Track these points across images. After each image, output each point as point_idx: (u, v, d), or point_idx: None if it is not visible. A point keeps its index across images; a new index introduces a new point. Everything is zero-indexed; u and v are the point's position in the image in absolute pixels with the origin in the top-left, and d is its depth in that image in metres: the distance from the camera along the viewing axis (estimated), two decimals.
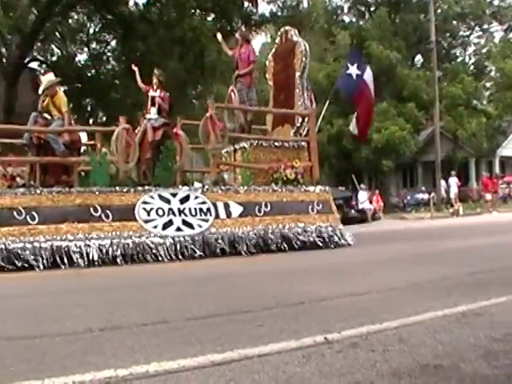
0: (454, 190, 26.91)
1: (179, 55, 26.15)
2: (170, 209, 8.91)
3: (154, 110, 10.15)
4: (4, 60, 23.91)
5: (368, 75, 12.39)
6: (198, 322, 3.70)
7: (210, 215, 9.08)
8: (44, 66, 29.84)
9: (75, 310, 4.29)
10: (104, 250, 8.11)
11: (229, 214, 9.23)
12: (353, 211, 23.50)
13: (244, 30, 11.92)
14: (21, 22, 21.89)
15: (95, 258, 8.01)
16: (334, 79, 35.46)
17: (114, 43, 31.28)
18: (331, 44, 39.20)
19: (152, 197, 8.92)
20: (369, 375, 2.48)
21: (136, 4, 28.58)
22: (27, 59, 24.93)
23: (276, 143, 10.75)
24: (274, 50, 12.67)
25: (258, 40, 54.09)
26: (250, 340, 3.08)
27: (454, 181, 27.49)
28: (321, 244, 9.52)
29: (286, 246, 9.24)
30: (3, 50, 24.72)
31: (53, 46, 32.15)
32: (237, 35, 11.67)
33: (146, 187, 9.04)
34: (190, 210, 9.01)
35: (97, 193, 8.64)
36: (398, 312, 3.75)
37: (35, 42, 25.65)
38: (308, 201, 9.96)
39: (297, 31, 11.72)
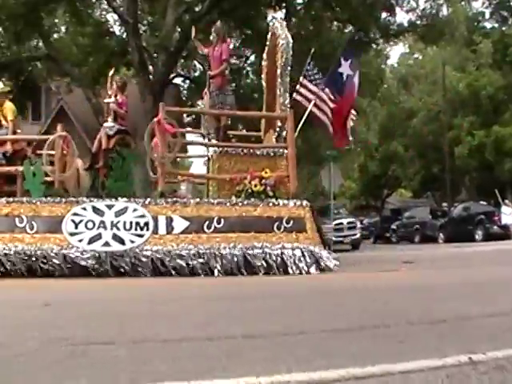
0: None
1: None
2: (102, 222, 8.24)
3: (110, 118, 9.77)
4: (151, 77, 24.29)
5: (357, 78, 10.86)
6: (336, 334, 3.66)
7: (147, 230, 8.24)
8: (187, 81, 31.30)
9: (214, 317, 4.39)
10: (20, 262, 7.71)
11: (170, 230, 8.32)
12: (495, 227, 22.72)
13: (219, 26, 10.65)
14: (166, 40, 22.73)
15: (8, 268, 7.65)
16: (475, 89, 34.89)
17: (252, 57, 31.85)
18: (472, 52, 37.12)
19: (84, 208, 8.33)
20: None
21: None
22: (172, 75, 25.98)
23: (245, 150, 9.61)
24: (266, 48, 11.44)
25: (397, 50, 52.54)
26: (391, 356, 2.94)
27: None
28: (277, 269, 8.14)
29: (232, 268, 8.05)
30: (150, 68, 25.26)
31: (195, 62, 33.70)
32: (212, 33, 10.61)
33: (80, 198, 8.51)
34: (124, 223, 8.25)
35: (26, 203, 8.30)
36: None
37: (179, 59, 26.55)
38: (275, 217, 8.67)
39: (284, 23, 10.44)
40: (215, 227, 8.44)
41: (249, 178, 9.01)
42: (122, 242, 8.10)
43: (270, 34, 10.85)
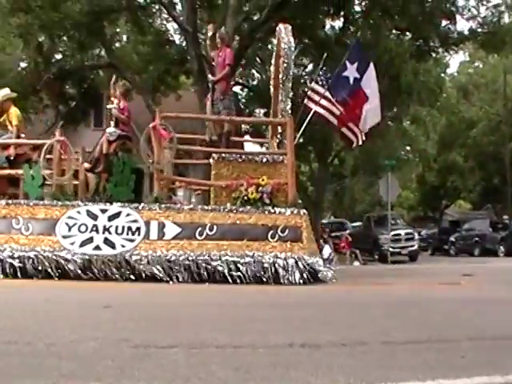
0: None
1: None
2: (95, 225, 8.37)
3: (112, 123, 9.99)
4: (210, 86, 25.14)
5: (368, 76, 10.31)
6: (395, 346, 3.60)
7: (138, 235, 8.29)
8: (246, 89, 31.62)
9: (274, 324, 4.40)
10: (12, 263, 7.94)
11: (161, 236, 8.33)
12: None
13: (223, 31, 10.63)
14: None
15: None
16: None
17: (311, 66, 32.07)
18: None
19: (79, 212, 8.49)
20: None
21: (332, 27, 29.53)
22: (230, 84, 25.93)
23: (243, 157, 9.52)
24: (274, 53, 11.28)
25: (457, 59, 51.54)
26: (451, 371, 2.91)
27: None
28: (266, 279, 7.97)
29: (221, 276, 7.95)
30: (209, 76, 25.91)
31: (253, 71, 34.05)
32: (217, 38, 10.34)
33: (75, 202, 8.71)
34: (116, 228, 8.34)
35: (24, 205, 8.57)
36: None
37: (237, 68, 26.79)
38: (270, 226, 8.48)
39: (289, 27, 10.08)
40: (207, 234, 8.36)
41: (245, 184, 8.90)
42: (112, 246, 8.19)
43: (276, 38, 10.77)
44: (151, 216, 8.50)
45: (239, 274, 7.95)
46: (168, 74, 26.08)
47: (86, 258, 8.00)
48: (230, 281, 7.87)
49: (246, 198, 8.79)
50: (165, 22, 28.51)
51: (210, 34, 10.72)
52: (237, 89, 30.81)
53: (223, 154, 9.46)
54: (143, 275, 7.94)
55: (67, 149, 9.49)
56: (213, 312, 5.11)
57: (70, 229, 8.34)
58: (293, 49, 9.74)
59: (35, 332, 3.81)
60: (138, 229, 8.34)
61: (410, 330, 4.20)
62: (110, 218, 8.44)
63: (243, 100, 33.08)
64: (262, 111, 33.06)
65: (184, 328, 4.16)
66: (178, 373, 2.74)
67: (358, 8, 28.03)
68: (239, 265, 8.00)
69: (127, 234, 8.30)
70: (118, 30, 27.55)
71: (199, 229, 8.36)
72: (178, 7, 26.20)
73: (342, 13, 27.22)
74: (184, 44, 24.02)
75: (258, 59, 32.65)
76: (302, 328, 4.24)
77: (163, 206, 8.67)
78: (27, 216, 8.45)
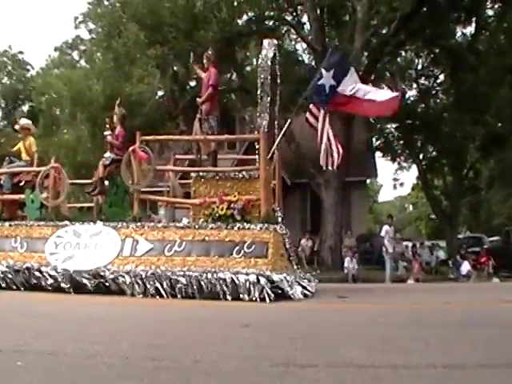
0: None
1: (511, 83, 25.40)
2: (78, 243, 9.10)
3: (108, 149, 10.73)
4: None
5: (347, 83, 9.86)
6: (495, 369, 3.42)
7: (114, 251, 8.84)
8: None
9: (417, 343, 4.28)
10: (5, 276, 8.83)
11: (133, 252, 8.80)
12: None
13: (210, 52, 10.50)
14: (354, 64, 23.17)
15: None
16: None
17: (442, 76, 32.13)
18: None
19: (66, 231, 9.31)
20: None
21: (463, 34, 28.98)
22: None
23: (220, 174, 9.65)
24: None
25: None
26: None
27: None
28: (226, 294, 7.94)
29: (187, 291, 8.10)
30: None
31: (383, 85, 33.80)
32: (204, 59, 10.48)
33: (64, 222, 9.51)
34: (96, 245, 9.00)
35: (23, 226, 9.60)
36: None
37: (368, 83, 26.71)
38: (237, 241, 8.56)
39: (273, 41, 10.08)
40: (175, 250, 8.68)
41: (218, 201, 9.13)
42: (89, 262, 8.79)
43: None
44: (127, 233, 9.06)
45: (199, 288, 8.10)
46: (299, 95, 26.34)
47: (67, 273, 8.63)
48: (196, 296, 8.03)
49: (217, 214, 9.04)
50: (293, 43, 29.09)
51: (191, 59, 11.25)
52: None
53: (201, 173, 9.76)
54: (114, 289, 8.41)
55: (61, 174, 10.40)
56: (348, 331, 5.08)
57: (56, 246, 9.16)
58: (269, 63, 9.56)
59: (181, 348, 3.95)
60: (115, 246, 8.93)
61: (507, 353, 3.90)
62: (92, 236, 9.17)
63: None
64: (394, 125, 32.69)
65: (322, 346, 4.15)
66: None
67: (490, 12, 27.10)
68: (200, 280, 8.13)
69: (104, 250, 8.92)
70: (247, 53, 28.26)
71: (169, 245, 8.75)
72: (306, 27, 26.56)
73: (473, 18, 26.43)
74: (313, 63, 24.17)
75: (387, 73, 32.29)
76: (443, 348, 4.07)
77: (139, 223, 9.20)
78: (24, 235, 9.44)
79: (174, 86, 27.80)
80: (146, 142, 9.93)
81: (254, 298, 7.80)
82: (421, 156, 32.88)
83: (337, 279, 19.27)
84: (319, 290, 9.42)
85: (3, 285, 8.81)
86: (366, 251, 24.48)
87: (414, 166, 34.65)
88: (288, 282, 8.20)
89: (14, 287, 8.72)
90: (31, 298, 8.07)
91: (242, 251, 8.48)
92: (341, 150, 9.91)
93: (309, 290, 8.69)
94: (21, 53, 47.59)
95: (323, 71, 9.96)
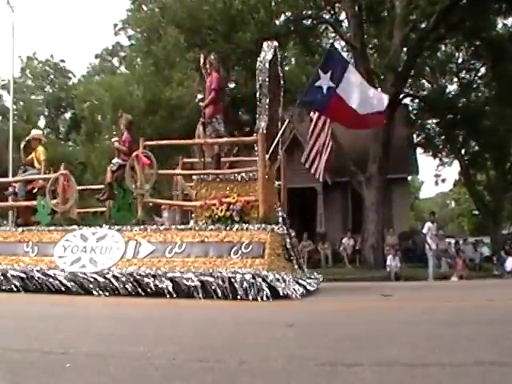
0: None
1: None
2: (85, 247, 9.40)
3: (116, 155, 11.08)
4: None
5: (346, 83, 9.78)
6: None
7: (118, 254, 9.10)
8: (416, 100, 31.31)
9: (461, 341, 4.16)
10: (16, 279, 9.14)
11: (136, 254, 9.04)
12: None
13: (213, 57, 10.57)
14: (394, 60, 23.49)
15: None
16: None
17: (483, 69, 31.70)
18: None
19: (74, 235, 9.64)
20: None
21: (504, 26, 28.41)
22: (401, 96, 26.36)
23: (220, 177, 9.77)
24: None
25: None
26: None
27: None
28: (222, 294, 8.07)
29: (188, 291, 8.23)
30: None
31: (423, 81, 33.46)
32: (207, 64, 10.60)
33: (73, 226, 9.89)
34: (101, 248, 9.27)
35: (34, 231, 10.01)
36: None
37: (407, 78, 26.92)
38: (235, 242, 8.68)
39: (274, 43, 10.20)
40: (176, 252, 8.87)
41: (217, 203, 9.28)
42: (95, 264, 9.08)
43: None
44: (131, 236, 9.32)
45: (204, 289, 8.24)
46: None
47: (73, 275, 8.90)
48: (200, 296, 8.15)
49: (217, 216, 9.22)
50: (331, 41, 28.98)
51: (201, 61, 11.08)
52: (407, 100, 30.31)
53: (201, 176, 9.95)
54: (120, 291, 8.58)
55: (70, 181, 10.79)
56: (392, 329, 5.03)
57: (65, 250, 9.50)
58: (267, 65, 9.58)
59: (226, 349, 3.95)
60: (118, 248, 9.20)
61: None
62: (98, 240, 9.46)
63: (414, 111, 32.37)
64: (435, 121, 32.25)
65: (367, 345, 4.09)
66: None
67: None
68: (199, 281, 8.29)
69: (109, 253, 9.20)
70: (285, 53, 28.27)
71: (169, 247, 8.96)
72: (345, 24, 26.46)
73: None
74: (352, 61, 24.11)
75: (427, 68, 31.91)
76: (488, 345, 3.94)
77: (142, 226, 9.46)
78: (35, 240, 9.82)
79: None
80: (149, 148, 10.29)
81: (251, 298, 7.91)
82: (463, 151, 32.36)
83: (379, 277, 19.22)
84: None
85: (14, 288, 9.08)
86: (409, 249, 24.27)
87: (456, 162, 34.19)
88: (285, 281, 8.27)
89: (24, 291, 9.00)
90: (57, 300, 8.20)
91: (240, 251, 8.60)
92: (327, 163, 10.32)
93: (308, 290, 8.82)
94: (62, 61, 49.01)
95: (320, 72, 10.02)
